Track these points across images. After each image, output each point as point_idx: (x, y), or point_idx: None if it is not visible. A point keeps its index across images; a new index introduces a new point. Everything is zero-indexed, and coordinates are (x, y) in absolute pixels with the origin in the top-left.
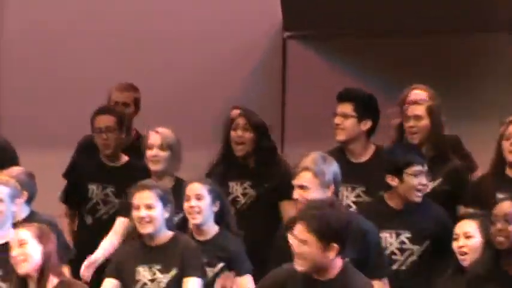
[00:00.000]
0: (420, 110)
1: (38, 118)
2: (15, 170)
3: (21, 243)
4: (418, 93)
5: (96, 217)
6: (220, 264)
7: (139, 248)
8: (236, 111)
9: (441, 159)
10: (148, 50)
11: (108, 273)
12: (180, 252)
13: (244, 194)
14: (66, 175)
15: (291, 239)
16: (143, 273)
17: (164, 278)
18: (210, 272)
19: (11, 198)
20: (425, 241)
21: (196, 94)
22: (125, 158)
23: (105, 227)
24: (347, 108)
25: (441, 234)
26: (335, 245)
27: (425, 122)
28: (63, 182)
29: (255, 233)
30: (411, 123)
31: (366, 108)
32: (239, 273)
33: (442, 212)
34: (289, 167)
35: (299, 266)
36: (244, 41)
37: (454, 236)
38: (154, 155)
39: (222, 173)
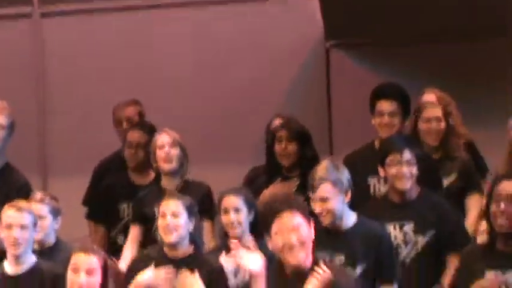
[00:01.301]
0: (438, 112)
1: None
2: (39, 195)
3: (90, 272)
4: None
5: None
6: None
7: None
8: (278, 122)
9: (450, 158)
10: (190, 63)
11: None
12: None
13: None
14: (88, 201)
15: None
16: None
17: None
18: None
19: (33, 225)
20: (430, 231)
21: (240, 105)
22: (152, 174)
23: None
24: (394, 106)
25: (442, 225)
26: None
27: (442, 124)
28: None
29: None
30: (430, 124)
31: (408, 106)
32: None
33: (443, 202)
34: None
35: (295, 258)
36: (286, 51)
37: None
38: (167, 153)
39: (265, 182)
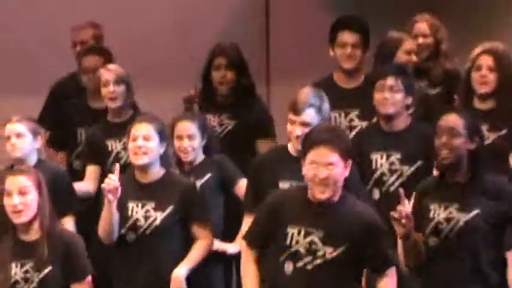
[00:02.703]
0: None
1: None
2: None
3: (22, 192)
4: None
5: None
6: (208, 175)
7: (131, 184)
8: (218, 49)
9: None
10: None
11: None
12: (178, 190)
13: (221, 125)
14: (42, 121)
15: (311, 168)
16: (135, 209)
17: (159, 215)
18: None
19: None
20: (416, 162)
21: (179, 30)
22: None
23: None
24: (358, 38)
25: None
26: (350, 161)
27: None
28: None
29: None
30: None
31: (368, 38)
32: (235, 179)
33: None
34: (265, 105)
35: (323, 194)
36: None
37: None
38: (112, 92)
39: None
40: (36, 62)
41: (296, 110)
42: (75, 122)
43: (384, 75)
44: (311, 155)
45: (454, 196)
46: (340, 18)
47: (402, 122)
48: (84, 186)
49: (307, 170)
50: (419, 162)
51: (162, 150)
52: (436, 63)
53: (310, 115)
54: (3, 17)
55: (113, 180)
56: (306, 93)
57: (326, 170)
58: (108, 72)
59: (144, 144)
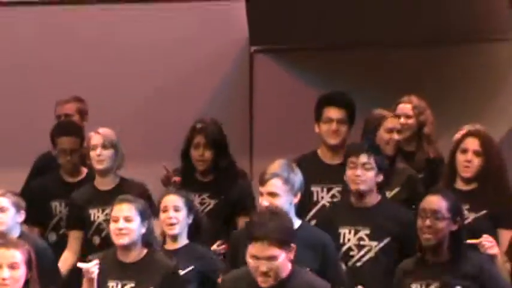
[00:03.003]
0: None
1: None
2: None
3: (13, 266)
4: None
5: (60, 233)
6: (190, 267)
7: (112, 262)
8: (197, 127)
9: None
10: (113, 64)
11: None
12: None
13: (202, 204)
14: (24, 195)
15: (252, 261)
16: None
17: None
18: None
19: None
20: (385, 238)
21: (163, 108)
22: (84, 172)
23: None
24: (343, 114)
25: (402, 233)
26: (293, 245)
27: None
28: None
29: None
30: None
31: (353, 114)
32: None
33: (403, 211)
34: (248, 181)
35: (266, 283)
36: (211, 55)
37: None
38: (99, 154)
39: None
40: (24, 135)
41: (262, 180)
42: (49, 195)
43: (356, 152)
44: (251, 248)
45: (435, 275)
46: (326, 94)
47: (373, 199)
48: (65, 261)
49: (249, 261)
50: (388, 239)
51: (143, 230)
52: (419, 148)
53: (275, 185)
54: None
55: (90, 267)
56: (274, 164)
57: (267, 263)
58: (98, 136)
59: (125, 226)
